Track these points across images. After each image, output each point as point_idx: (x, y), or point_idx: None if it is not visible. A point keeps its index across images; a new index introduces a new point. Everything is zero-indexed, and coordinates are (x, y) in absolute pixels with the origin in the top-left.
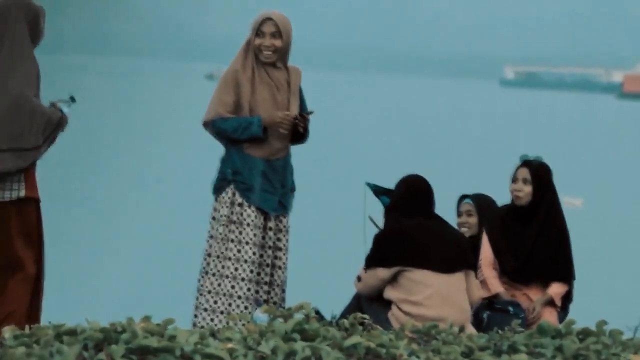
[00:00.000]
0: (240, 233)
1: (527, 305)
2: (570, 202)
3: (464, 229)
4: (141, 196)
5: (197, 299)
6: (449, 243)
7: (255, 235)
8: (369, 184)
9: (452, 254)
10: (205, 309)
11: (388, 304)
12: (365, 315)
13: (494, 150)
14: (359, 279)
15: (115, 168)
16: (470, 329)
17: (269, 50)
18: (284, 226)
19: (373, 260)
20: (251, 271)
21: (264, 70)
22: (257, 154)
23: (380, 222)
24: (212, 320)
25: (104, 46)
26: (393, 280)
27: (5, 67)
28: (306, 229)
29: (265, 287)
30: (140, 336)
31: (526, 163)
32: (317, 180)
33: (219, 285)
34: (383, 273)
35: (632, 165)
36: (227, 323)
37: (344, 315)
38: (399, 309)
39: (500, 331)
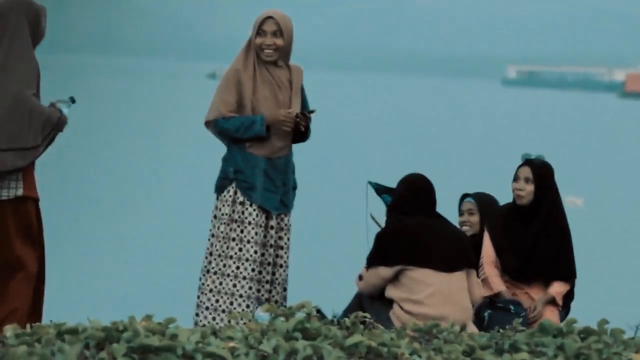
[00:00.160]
0: (242, 232)
1: (528, 304)
2: (571, 201)
3: (465, 228)
4: (143, 195)
5: (198, 297)
6: (451, 242)
7: (256, 233)
8: (371, 183)
9: (454, 253)
10: (207, 308)
11: (389, 302)
12: (367, 314)
13: (496, 150)
14: (360, 277)
15: (117, 167)
16: (472, 328)
17: (270, 49)
18: (286, 225)
19: (374, 259)
20: (253, 270)
21: (265, 69)
22: (259, 153)
23: (382, 221)
24: (213, 319)
25: (105, 45)
26: (394, 279)
27: (4, 66)
28: (308, 228)
29: (267, 286)
30: (141, 335)
31: (528, 162)
32: (319, 178)
33: (221, 284)
34: (384, 272)
35: (634, 164)
36: (229, 322)
37: (346, 314)
38: (401, 307)
39: (501, 330)
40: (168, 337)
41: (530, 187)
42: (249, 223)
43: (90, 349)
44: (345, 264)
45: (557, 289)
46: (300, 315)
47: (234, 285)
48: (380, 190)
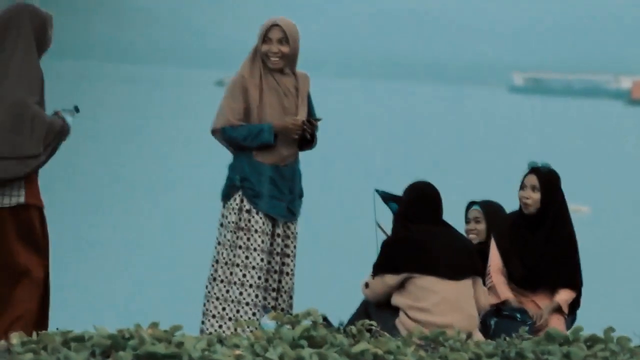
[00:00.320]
0: (249, 239)
1: (534, 312)
2: (577, 209)
3: (472, 236)
4: (150, 202)
5: (205, 305)
6: (457, 250)
7: (263, 241)
8: (377, 191)
9: (460, 261)
10: (214, 316)
11: (396, 310)
12: (373, 322)
13: (502, 157)
14: (366, 285)
15: (125, 174)
16: (478, 336)
17: (276, 56)
18: (292, 233)
19: (381, 267)
20: (259, 278)
21: (271, 77)
22: (266, 161)
23: (389, 229)
24: (220, 326)
25: (112, 52)
26: (401, 286)
27: (7, 74)
28: (314, 235)
29: (273, 294)
30: (147, 342)
31: (534, 170)
32: (326, 186)
33: (227, 291)
34: (391, 280)
35: None
36: (235, 330)
37: (352, 321)
38: (407, 315)
39: (507, 338)
40: (174, 344)
41: (536, 195)
42: (256, 231)
43: (97, 357)
44: (351, 272)
45: (564, 296)
46: (306, 323)
47: (241, 293)
48: (387, 198)
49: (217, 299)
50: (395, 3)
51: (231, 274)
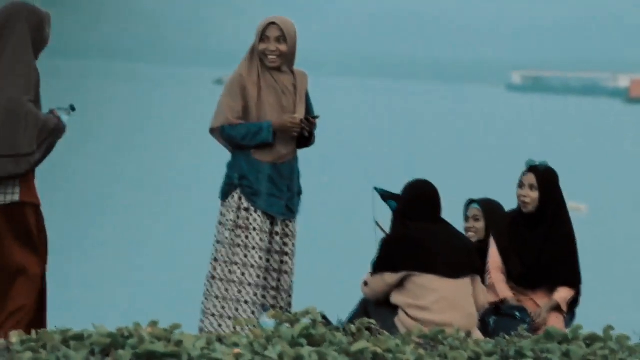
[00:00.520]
0: (247, 238)
1: (533, 310)
2: (576, 207)
3: (470, 234)
4: (148, 201)
5: (203, 304)
6: (456, 248)
7: (261, 240)
8: (377, 189)
9: (459, 259)
10: (213, 314)
11: (395, 309)
12: (372, 321)
13: (500, 155)
14: (365, 283)
15: (123, 172)
16: (477, 334)
17: (273, 54)
18: (291, 231)
19: (380, 265)
20: (258, 276)
21: (269, 75)
22: (264, 159)
23: (387, 227)
24: (219, 325)
25: (112, 51)
26: (400, 285)
27: (4, 72)
28: (313, 234)
29: (272, 292)
30: (147, 341)
31: (532, 169)
32: (324, 184)
33: (226, 290)
34: (390, 278)
35: (639, 169)
36: (234, 328)
37: (351, 320)
38: (406, 314)
39: (507, 336)
40: (173, 343)
41: (535, 194)
42: (254, 229)
43: (96, 355)
44: (350, 270)
45: (562, 294)
46: (305, 321)
47: (239, 292)
48: (386, 196)
49: (216, 297)
50: (395, 3)
51: (230, 272)
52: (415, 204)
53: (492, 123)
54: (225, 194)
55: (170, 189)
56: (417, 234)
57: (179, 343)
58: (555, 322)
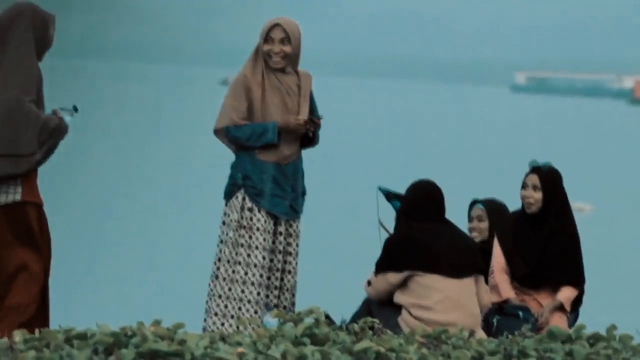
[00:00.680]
0: (250, 238)
1: (536, 310)
2: (579, 208)
3: (474, 234)
4: (152, 200)
5: (207, 303)
6: (459, 248)
7: (265, 239)
8: (380, 188)
9: (462, 259)
10: (216, 314)
11: (398, 308)
12: (375, 320)
13: (504, 156)
14: (369, 283)
15: (127, 172)
16: (480, 334)
17: (278, 56)
18: (294, 231)
19: (383, 265)
20: (261, 275)
21: (274, 76)
22: (268, 159)
23: (391, 227)
24: (222, 324)
25: (117, 52)
26: (403, 284)
27: (5, 72)
28: (316, 233)
29: (275, 292)
30: (150, 340)
31: (535, 169)
32: (328, 184)
33: (229, 289)
34: (393, 277)
35: None
36: (237, 327)
37: (354, 319)
38: (409, 313)
39: (510, 336)
40: (177, 342)
41: (538, 195)
42: (257, 229)
43: (99, 354)
44: (353, 270)
45: (566, 294)
46: (308, 320)
47: (243, 291)
48: (389, 195)
49: (220, 296)
50: (398, 3)
51: (233, 272)
52: (419, 204)
53: (496, 124)
54: (229, 194)
55: (175, 189)
56: (421, 234)
57: (182, 342)
58: (559, 321)
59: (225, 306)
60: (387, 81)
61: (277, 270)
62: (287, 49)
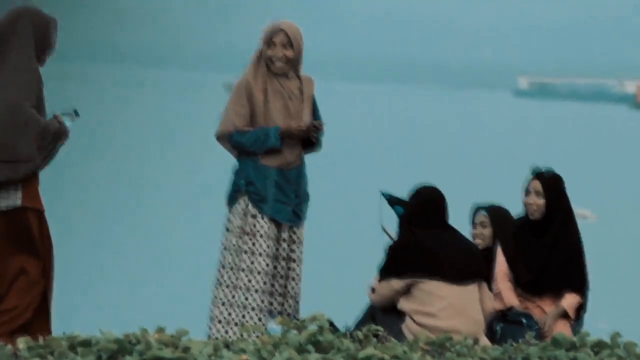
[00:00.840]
0: (254, 244)
1: (540, 317)
2: (582, 215)
3: (477, 240)
4: (155, 206)
5: (211, 310)
6: (463, 254)
7: (268, 246)
8: (383, 193)
9: (466, 266)
10: (219, 321)
11: (402, 315)
12: (379, 327)
13: (507, 161)
14: (372, 290)
15: (131, 177)
16: (484, 341)
17: (280, 60)
18: (298, 237)
19: (386, 271)
20: (264, 282)
21: (276, 80)
22: (271, 164)
23: (394, 232)
24: (226, 331)
25: (119, 56)
26: (407, 291)
27: (5, 77)
28: (320, 239)
29: (279, 299)
30: (154, 347)
31: (538, 175)
32: (331, 190)
33: (233, 296)
34: (397, 284)
35: None
36: (241, 334)
37: (358, 326)
38: (413, 320)
39: (514, 343)
40: (181, 349)
41: (541, 201)
42: (261, 235)
43: None
44: (357, 276)
45: (569, 301)
46: (312, 327)
47: (246, 298)
48: (392, 200)
49: (223, 303)
50: (401, 6)
51: (237, 278)
52: (422, 210)
53: (499, 128)
54: (231, 200)
55: (179, 194)
56: (424, 240)
57: (186, 349)
58: (563, 328)
59: (229, 313)
60: (391, 85)
61: (281, 277)
62: (289, 53)
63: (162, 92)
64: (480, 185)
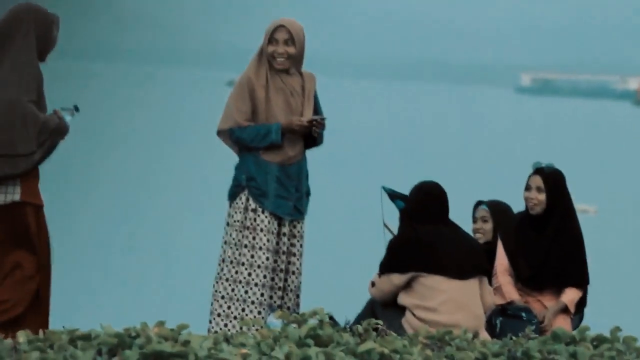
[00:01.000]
0: (254, 238)
1: (540, 311)
2: (583, 209)
3: (478, 235)
4: (157, 201)
5: (212, 304)
6: (463, 249)
7: (268, 240)
8: (385, 188)
9: (466, 260)
10: (219, 315)
11: (402, 309)
12: (379, 321)
13: (509, 157)
14: (373, 284)
15: (132, 174)
16: (484, 335)
17: (282, 57)
18: (298, 232)
19: (387, 266)
20: (264, 276)
21: (278, 77)
22: (272, 160)
23: (394, 227)
24: (225, 325)
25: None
26: (407, 286)
27: (5, 73)
28: (321, 234)
29: (279, 293)
30: (154, 341)
31: (539, 171)
32: (332, 185)
33: (233, 290)
34: (397, 279)
35: None
36: (241, 328)
37: (358, 321)
38: (413, 315)
39: (514, 337)
40: (180, 343)
41: (542, 196)
42: (261, 230)
43: (103, 355)
44: (357, 271)
45: (570, 296)
46: (312, 322)
47: (246, 292)
48: (393, 195)
49: (223, 297)
50: (402, 4)
51: (237, 272)
52: (423, 206)
53: (501, 125)
54: (233, 195)
55: (181, 191)
56: (425, 236)
57: (186, 343)
58: (563, 323)
59: (229, 307)
60: (393, 82)
61: (281, 271)
62: (291, 50)
63: (166, 91)
64: (482, 182)
